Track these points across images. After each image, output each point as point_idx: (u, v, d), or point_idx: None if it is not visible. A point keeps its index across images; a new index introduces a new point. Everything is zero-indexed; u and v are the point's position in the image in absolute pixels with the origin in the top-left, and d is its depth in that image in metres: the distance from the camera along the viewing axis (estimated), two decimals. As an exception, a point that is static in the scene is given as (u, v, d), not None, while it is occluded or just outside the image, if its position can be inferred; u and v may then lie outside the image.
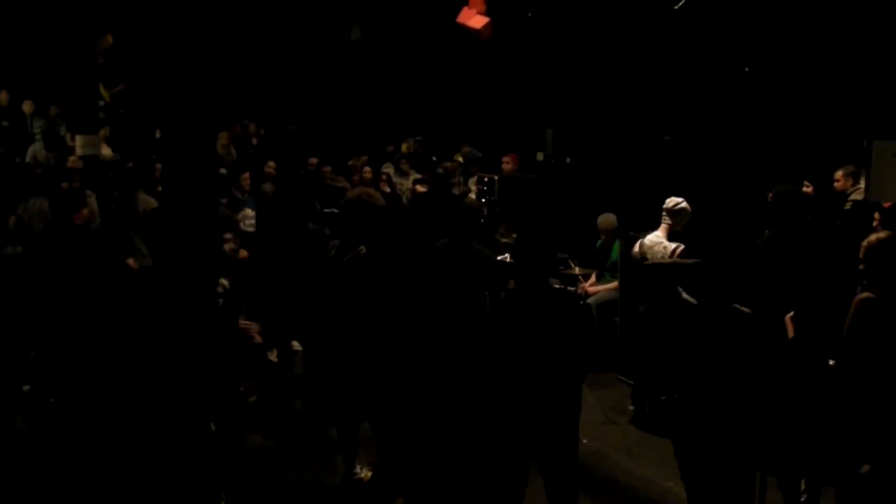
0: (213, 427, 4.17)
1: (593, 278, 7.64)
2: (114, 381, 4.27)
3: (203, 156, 4.39)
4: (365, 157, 9.73)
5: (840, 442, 3.78)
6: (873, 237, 3.85)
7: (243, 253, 7.26)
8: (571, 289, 7.31)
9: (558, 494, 3.87)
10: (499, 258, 6.10)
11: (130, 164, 8.16)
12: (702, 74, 10.15)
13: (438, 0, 9.83)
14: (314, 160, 9.92)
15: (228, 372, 4.29)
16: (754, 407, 3.73)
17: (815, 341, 3.93)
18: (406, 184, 10.31)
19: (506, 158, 9.40)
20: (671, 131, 10.76)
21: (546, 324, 3.78)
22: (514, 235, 6.84)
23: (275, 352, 6.87)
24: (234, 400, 5.30)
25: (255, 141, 11.48)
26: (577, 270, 7.60)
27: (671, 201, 5.82)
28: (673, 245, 5.69)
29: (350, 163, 9.50)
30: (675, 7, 9.05)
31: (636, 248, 5.99)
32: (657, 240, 5.78)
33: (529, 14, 11.36)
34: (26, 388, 5.01)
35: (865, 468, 3.63)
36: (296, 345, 6.78)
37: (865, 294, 3.74)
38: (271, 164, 9.13)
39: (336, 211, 5.69)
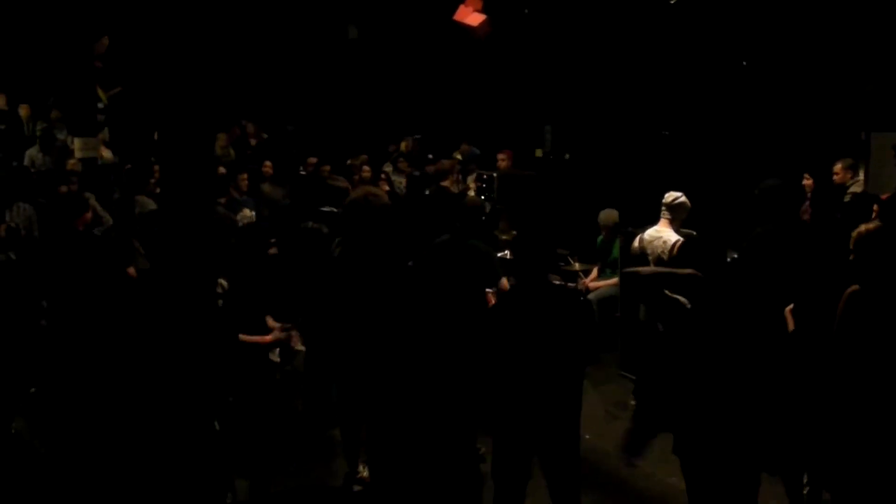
0: (217, 427, 4.17)
1: (594, 273, 7.64)
2: (117, 383, 4.26)
3: (201, 157, 4.38)
4: (364, 157, 9.72)
5: (834, 438, 3.77)
6: (863, 227, 3.83)
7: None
8: (572, 285, 7.31)
9: (560, 491, 3.87)
10: (499, 255, 6.10)
11: (129, 167, 8.15)
12: (700, 69, 10.14)
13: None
14: (313, 160, 9.92)
15: (230, 372, 4.28)
16: (755, 402, 3.72)
17: (815, 335, 3.92)
18: (404, 182, 10.32)
19: (501, 155, 9.40)
20: (670, 126, 10.76)
21: (547, 320, 3.77)
22: (514, 232, 6.85)
23: (276, 351, 6.86)
24: (236, 400, 5.29)
25: (253, 142, 11.48)
26: (577, 266, 7.60)
27: (670, 196, 5.82)
28: (673, 239, 5.69)
29: (349, 162, 9.49)
30: (671, 1, 9.05)
31: (636, 242, 5.99)
32: (657, 234, 5.78)
33: (526, 10, 11.37)
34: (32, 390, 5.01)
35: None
36: (298, 344, 6.78)
37: (854, 287, 3.73)
38: (268, 164, 9.12)
39: (335, 210, 5.69)
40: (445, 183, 7.79)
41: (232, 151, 10.50)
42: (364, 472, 4.89)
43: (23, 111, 10.89)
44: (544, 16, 11.28)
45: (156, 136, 10.94)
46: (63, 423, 4.84)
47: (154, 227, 6.35)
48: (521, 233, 4.05)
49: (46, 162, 9.33)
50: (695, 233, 5.69)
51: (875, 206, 5.47)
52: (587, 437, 5.22)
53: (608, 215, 7.52)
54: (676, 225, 5.78)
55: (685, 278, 3.96)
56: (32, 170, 9.05)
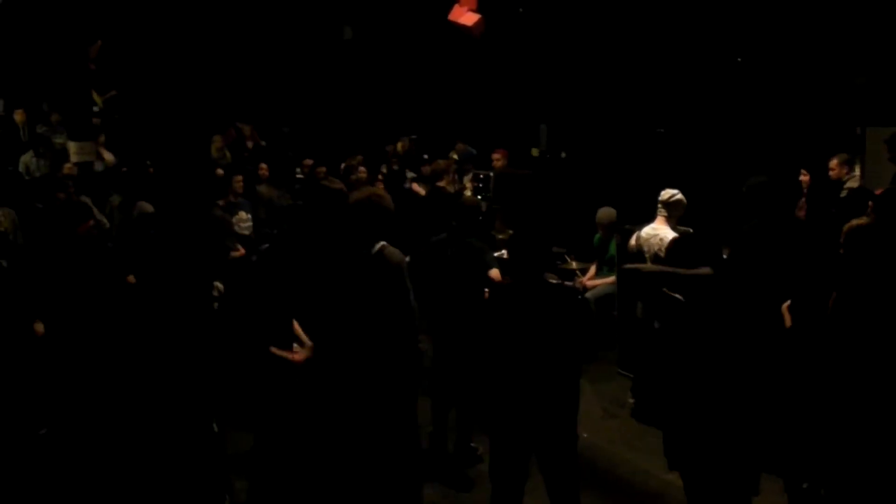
0: (215, 429, 4.17)
1: (592, 271, 7.64)
2: (116, 385, 4.26)
3: (197, 159, 4.38)
4: (360, 157, 9.71)
5: (830, 435, 3.77)
6: (854, 222, 3.84)
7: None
8: (569, 283, 7.31)
9: (558, 489, 3.87)
10: (495, 255, 6.10)
11: (125, 170, 8.13)
12: (695, 66, 10.16)
13: (429, -2, 9.85)
14: (309, 161, 9.91)
15: (229, 374, 4.27)
16: (750, 399, 3.72)
17: (810, 331, 3.92)
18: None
19: (496, 155, 9.39)
20: (665, 124, 10.77)
21: (544, 318, 3.77)
22: (511, 231, 6.84)
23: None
24: (234, 401, 5.28)
25: (250, 144, 11.47)
26: (573, 265, 7.60)
27: (666, 193, 5.82)
28: (670, 236, 5.69)
29: (344, 165, 9.48)
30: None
31: (633, 240, 5.99)
32: (653, 232, 5.78)
33: (521, 10, 11.38)
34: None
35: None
36: (296, 347, 6.76)
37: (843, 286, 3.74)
38: (264, 166, 9.11)
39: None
40: (442, 183, 7.80)
41: (228, 154, 10.49)
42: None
43: (18, 117, 10.87)
44: (539, 15, 11.30)
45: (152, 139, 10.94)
46: (63, 423, 4.85)
47: (151, 229, 6.34)
48: (518, 232, 4.05)
49: (41, 167, 9.30)
50: (691, 230, 5.70)
51: (871, 202, 5.47)
52: (585, 435, 5.22)
53: (605, 213, 7.51)
54: (673, 222, 5.78)
55: (690, 278, 3.92)
56: (27, 177, 9.03)
